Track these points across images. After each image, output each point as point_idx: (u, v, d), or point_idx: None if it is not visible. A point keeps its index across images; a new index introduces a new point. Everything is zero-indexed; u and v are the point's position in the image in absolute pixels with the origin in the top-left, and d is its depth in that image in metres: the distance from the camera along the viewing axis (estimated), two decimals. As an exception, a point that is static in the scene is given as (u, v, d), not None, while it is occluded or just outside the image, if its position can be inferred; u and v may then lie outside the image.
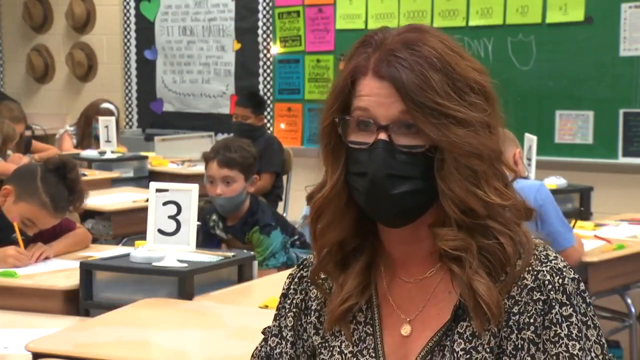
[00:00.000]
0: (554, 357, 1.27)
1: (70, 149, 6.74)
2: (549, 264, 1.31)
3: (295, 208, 5.85)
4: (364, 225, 1.37)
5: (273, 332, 1.47)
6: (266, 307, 2.81)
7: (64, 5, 8.79)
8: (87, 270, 3.07)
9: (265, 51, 7.81)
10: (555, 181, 5.04)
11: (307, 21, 7.55)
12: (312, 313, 1.43)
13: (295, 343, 1.44)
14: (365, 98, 1.31)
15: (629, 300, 4.18)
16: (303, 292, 1.45)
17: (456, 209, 1.28)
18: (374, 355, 1.36)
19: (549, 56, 6.54)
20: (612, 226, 4.56)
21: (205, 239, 4.24)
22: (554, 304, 1.28)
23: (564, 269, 1.31)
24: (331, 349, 1.40)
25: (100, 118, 6.46)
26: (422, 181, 1.29)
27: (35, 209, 3.41)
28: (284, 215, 5.72)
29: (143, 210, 3.49)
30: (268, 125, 7.64)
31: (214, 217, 4.21)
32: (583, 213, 4.94)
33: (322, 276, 1.42)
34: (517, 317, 1.29)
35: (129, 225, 4.70)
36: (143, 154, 6.48)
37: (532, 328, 1.28)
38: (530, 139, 4.83)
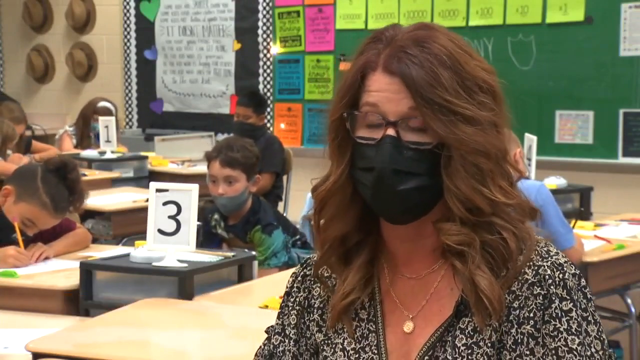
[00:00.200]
0: (553, 352, 1.27)
1: (70, 149, 6.74)
2: (550, 259, 1.31)
3: (295, 208, 5.85)
4: (367, 220, 1.37)
5: (276, 331, 1.47)
6: (266, 307, 2.81)
7: (64, 5, 8.79)
8: (87, 270, 3.07)
9: (265, 51, 7.82)
10: (555, 181, 5.04)
11: (307, 21, 7.55)
12: (315, 311, 1.44)
13: (298, 341, 1.45)
14: (375, 93, 1.31)
15: (629, 300, 4.18)
16: (306, 291, 1.46)
17: (461, 207, 1.29)
18: (376, 352, 1.37)
19: (549, 56, 6.54)
20: (612, 226, 4.56)
21: (207, 238, 4.24)
22: (554, 298, 1.28)
23: (565, 265, 1.31)
24: (334, 346, 1.40)
25: (100, 118, 6.46)
26: (428, 178, 1.30)
27: (36, 209, 3.41)
28: (284, 215, 5.71)
29: (143, 210, 3.49)
30: (268, 125, 7.63)
31: (216, 216, 4.21)
32: (583, 213, 4.94)
33: (326, 274, 1.43)
34: (518, 311, 1.29)
35: (129, 225, 4.70)
36: (143, 154, 6.48)
37: (531, 322, 1.28)
38: (530, 139, 4.83)
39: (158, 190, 3.10)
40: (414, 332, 1.35)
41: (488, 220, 1.30)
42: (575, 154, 6.49)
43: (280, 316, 1.47)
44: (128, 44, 8.59)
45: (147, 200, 3.37)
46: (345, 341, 1.39)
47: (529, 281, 1.30)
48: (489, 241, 1.30)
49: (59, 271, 3.33)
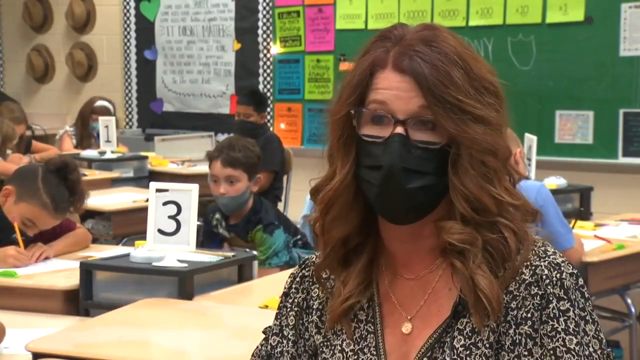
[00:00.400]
0: (551, 352, 1.27)
1: (70, 149, 6.74)
2: (547, 258, 1.31)
3: (296, 208, 5.85)
4: (367, 222, 1.37)
5: (274, 331, 1.47)
6: (266, 307, 2.81)
7: (64, 5, 8.79)
8: (87, 270, 3.07)
9: (265, 51, 7.81)
10: (555, 181, 5.04)
11: (307, 21, 7.55)
12: (314, 312, 1.44)
13: (296, 342, 1.45)
14: (383, 91, 1.31)
15: (629, 300, 4.18)
16: (305, 292, 1.45)
17: (467, 206, 1.29)
18: (375, 353, 1.36)
19: (549, 56, 6.54)
20: (612, 226, 4.57)
21: (208, 238, 4.25)
22: (551, 298, 1.28)
23: (562, 264, 1.31)
24: (333, 347, 1.40)
25: (100, 118, 6.46)
26: (435, 177, 1.30)
27: (36, 210, 3.41)
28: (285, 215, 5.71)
29: (143, 210, 3.49)
30: (268, 125, 7.63)
31: (217, 215, 4.22)
32: (583, 213, 4.94)
33: (324, 275, 1.42)
34: (515, 312, 1.29)
35: (129, 225, 4.70)
36: (143, 154, 6.48)
37: (529, 323, 1.28)
38: (530, 139, 4.83)
39: (158, 190, 3.10)
40: (413, 333, 1.35)
41: (492, 220, 1.30)
42: (575, 154, 6.49)
43: (278, 317, 1.47)
44: (128, 44, 8.59)
45: (147, 200, 3.37)
46: (344, 342, 1.39)
47: (527, 281, 1.30)
48: (490, 240, 1.30)
49: (59, 271, 3.33)
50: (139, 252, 3.08)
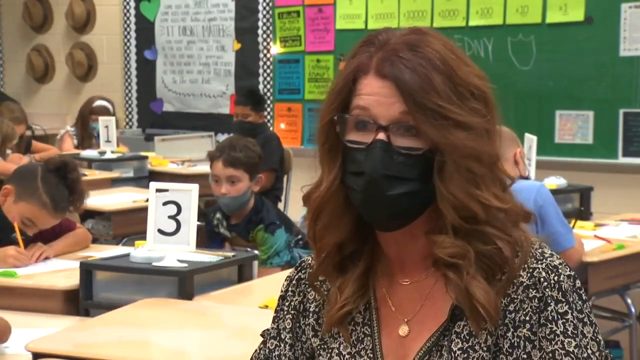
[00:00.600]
0: (550, 355, 1.27)
1: (71, 149, 6.74)
2: (544, 261, 1.31)
3: (296, 208, 5.85)
4: (363, 229, 1.36)
5: (272, 335, 1.46)
6: (266, 307, 2.81)
7: (64, 5, 8.79)
8: (87, 270, 3.07)
9: (265, 51, 7.81)
10: (555, 181, 5.04)
11: (307, 21, 7.55)
12: (311, 315, 1.43)
13: (293, 345, 1.44)
14: (366, 97, 1.30)
15: (629, 300, 4.18)
16: (301, 294, 1.45)
17: (455, 214, 1.28)
18: (372, 356, 1.36)
19: (549, 56, 6.54)
20: (612, 226, 4.57)
21: (209, 237, 4.26)
22: (549, 301, 1.28)
23: (560, 266, 1.31)
24: (330, 350, 1.40)
25: (100, 118, 6.46)
26: (418, 183, 1.29)
27: (35, 209, 3.41)
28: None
29: (143, 210, 3.49)
30: (268, 125, 7.64)
31: (218, 215, 4.23)
32: (583, 213, 4.94)
33: (320, 278, 1.42)
34: (513, 315, 1.29)
35: (129, 225, 4.70)
36: (143, 154, 6.48)
37: (527, 326, 1.28)
38: (530, 139, 4.83)
39: (158, 190, 3.10)
40: (410, 335, 1.35)
41: (482, 229, 1.29)
42: (575, 154, 6.49)
43: (276, 320, 1.47)
44: (128, 44, 8.59)
45: (147, 200, 3.37)
46: (341, 345, 1.38)
47: (524, 284, 1.29)
48: (483, 251, 1.29)
49: (59, 271, 3.33)
50: (139, 252, 3.08)
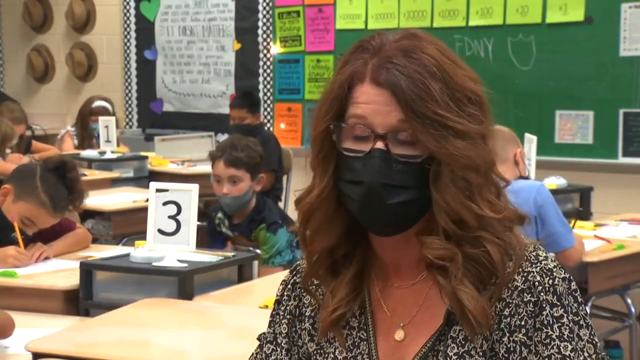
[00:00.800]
0: (546, 359, 1.26)
1: (71, 150, 6.74)
2: (539, 264, 1.30)
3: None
4: (354, 232, 1.35)
5: (268, 339, 1.46)
6: (266, 307, 2.81)
7: (64, 5, 8.79)
8: (87, 270, 3.07)
9: (265, 51, 7.81)
10: (555, 181, 5.04)
11: (307, 21, 7.55)
12: (307, 320, 1.43)
13: (290, 350, 1.44)
14: (363, 105, 1.29)
15: (629, 300, 4.18)
16: (297, 299, 1.45)
17: (449, 220, 1.27)
18: None
19: (549, 56, 6.54)
20: (612, 226, 4.57)
21: (211, 237, 4.27)
22: (544, 305, 1.27)
23: (555, 269, 1.30)
24: (326, 355, 1.39)
25: (100, 118, 6.45)
26: (417, 191, 1.28)
27: (34, 208, 3.41)
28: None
29: (143, 210, 3.49)
30: (268, 125, 7.63)
31: (219, 214, 4.24)
32: (583, 213, 4.93)
33: (315, 282, 1.41)
34: (509, 319, 1.28)
35: (129, 225, 4.70)
36: (143, 154, 6.48)
37: (523, 330, 1.28)
38: (530, 139, 4.83)
39: (158, 190, 3.10)
40: (405, 340, 1.35)
41: (473, 234, 1.28)
42: (575, 154, 6.49)
43: (272, 324, 1.46)
44: (128, 44, 8.58)
45: (147, 200, 3.37)
46: (337, 350, 1.38)
47: (519, 288, 1.29)
48: (473, 255, 1.28)
49: (59, 271, 3.33)
50: (139, 252, 3.08)
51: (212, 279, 3.12)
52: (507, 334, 1.28)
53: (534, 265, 1.30)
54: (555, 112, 6.56)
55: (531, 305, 1.28)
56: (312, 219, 1.34)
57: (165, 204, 3.06)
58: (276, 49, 7.72)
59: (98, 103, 6.96)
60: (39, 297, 3.12)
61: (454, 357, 1.29)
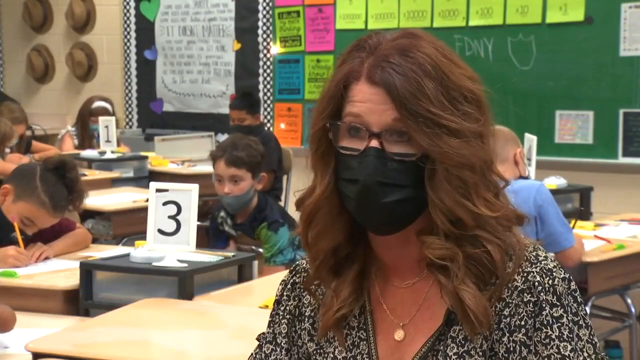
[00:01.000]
0: (546, 359, 1.27)
1: (71, 150, 6.74)
2: (538, 264, 1.30)
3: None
4: (356, 231, 1.36)
5: (267, 339, 1.46)
6: (266, 307, 2.81)
7: (64, 5, 8.79)
8: (87, 270, 3.07)
9: (265, 51, 7.81)
10: (555, 181, 5.04)
11: (307, 21, 7.55)
12: (306, 319, 1.43)
13: (289, 350, 1.44)
14: (358, 104, 1.29)
15: (629, 300, 4.19)
16: (296, 299, 1.45)
17: (445, 219, 1.27)
18: None
19: (549, 56, 6.54)
20: (612, 226, 4.57)
21: (214, 236, 4.28)
22: (544, 305, 1.28)
23: (554, 269, 1.30)
24: (325, 355, 1.39)
25: (101, 118, 6.45)
26: (413, 189, 1.28)
27: (34, 208, 3.41)
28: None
29: (143, 210, 3.49)
30: (268, 125, 7.63)
31: (222, 214, 4.25)
32: (583, 213, 4.94)
33: (315, 282, 1.41)
34: (508, 319, 1.29)
35: (129, 225, 4.70)
36: (143, 154, 6.48)
37: (523, 330, 1.28)
38: (530, 139, 4.83)
39: (158, 190, 3.10)
40: (405, 340, 1.35)
41: (472, 233, 1.28)
42: (575, 154, 6.49)
43: (271, 324, 1.46)
44: (128, 44, 8.58)
45: (147, 200, 3.37)
46: (337, 350, 1.38)
47: (519, 288, 1.29)
48: (473, 254, 1.28)
49: (59, 271, 3.33)
50: (139, 252, 3.08)
51: (212, 279, 3.12)
52: (507, 334, 1.28)
53: (533, 266, 1.30)
54: (555, 112, 6.56)
55: (531, 305, 1.28)
56: (316, 219, 1.34)
57: (165, 204, 3.06)
58: (276, 49, 7.73)
59: (98, 103, 6.96)
60: (39, 297, 3.12)
61: (453, 357, 1.29)
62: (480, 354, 1.29)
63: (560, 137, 6.56)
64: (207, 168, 6.20)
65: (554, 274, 1.29)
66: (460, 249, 1.28)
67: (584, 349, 1.28)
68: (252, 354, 1.48)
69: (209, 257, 3.17)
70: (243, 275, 3.22)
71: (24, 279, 3.23)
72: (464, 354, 1.29)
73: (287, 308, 1.45)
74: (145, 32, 8.46)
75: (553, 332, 1.27)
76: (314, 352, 1.41)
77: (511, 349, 1.28)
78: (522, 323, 1.28)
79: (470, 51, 6.60)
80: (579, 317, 1.29)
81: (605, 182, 6.07)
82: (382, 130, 1.28)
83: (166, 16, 8.34)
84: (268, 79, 7.81)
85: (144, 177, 6.03)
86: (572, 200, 5.17)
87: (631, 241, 4.19)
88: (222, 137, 7.55)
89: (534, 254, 1.32)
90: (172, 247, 3.03)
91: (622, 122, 6.32)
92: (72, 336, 2.58)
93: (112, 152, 6.26)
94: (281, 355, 1.44)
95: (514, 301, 1.29)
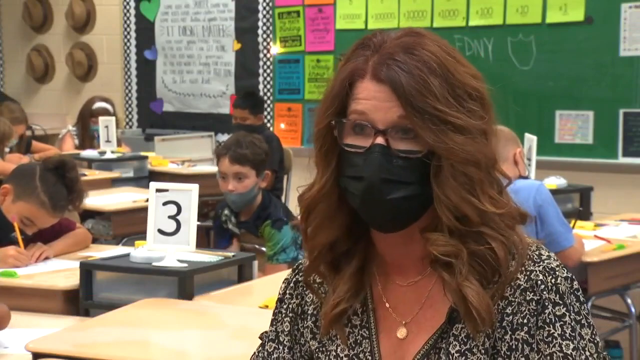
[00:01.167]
0: (548, 357, 1.27)
1: (71, 150, 6.74)
2: (541, 263, 1.31)
3: (296, 208, 5.85)
4: (356, 228, 1.36)
5: (270, 337, 1.46)
6: (266, 307, 2.81)
7: (64, 5, 8.79)
8: (87, 270, 3.07)
9: (265, 51, 7.81)
10: (555, 181, 5.04)
11: (307, 21, 7.55)
12: (309, 318, 1.43)
13: (292, 348, 1.44)
14: (363, 101, 1.30)
15: (629, 300, 4.18)
16: (299, 297, 1.45)
17: (450, 216, 1.28)
18: (370, 358, 1.36)
19: (549, 56, 6.54)
20: (612, 226, 4.57)
21: (218, 233, 4.29)
22: (547, 304, 1.28)
23: (557, 268, 1.31)
24: (328, 353, 1.40)
25: (101, 118, 6.45)
26: (418, 186, 1.29)
27: (34, 208, 3.41)
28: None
29: (143, 210, 3.49)
30: (268, 125, 7.63)
31: (226, 212, 4.26)
32: (583, 213, 4.93)
33: (317, 280, 1.42)
34: (511, 317, 1.29)
35: (129, 225, 4.70)
36: (143, 154, 6.48)
37: (525, 329, 1.28)
38: (530, 139, 4.83)
39: (158, 190, 3.10)
40: (408, 338, 1.35)
41: (476, 230, 1.29)
42: (575, 154, 6.49)
43: (274, 323, 1.47)
44: (128, 44, 8.59)
45: (147, 200, 3.37)
46: (339, 348, 1.38)
47: (522, 287, 1.29)
48: (477, 251, 1.29)
49: (59, 271, 3.33)
50: (139, 252, 3.08)
51: (212, 279, 3.12)
52: (510, 332, 1.29)
53: (536, 264, 1.30)
54: (555, 112, 6.56)
55: (533, 303, 1.28)
56: (314, 214, 1.35)
57: (165, 204, 3.06)
58: (276, 49, 7.73)
59: (99, 104, 6.96)
60: (39, 297, 3.12)
61: (456, 355, 1.30)
62: (483, 351, 1.29)
63: (560, 137, 6.56)
64: (207, 168, 6.22)
65: (557, 272, 1.30)
66: (465, 246, 1.29)
67: (586, 348, 1.28)
68: (254, 352, 1.48)
69: (209, 257, 3.17)
70: (243, 275, 3.22)
71: (24, 279, 3.23)
72: (467, 352, 1.29)
73: (290, 306, 1.45)
74: (145, 32, 8.46)
75: (555, 331, 1.27)
76: (317, 350, 1.41)
77: (513, 347, 1.28)
78: (525, 321, 1.28)
79: (470, 51, 6.59)
80: (581, 316, 1.29)
81: (605, 182, 6.07)
82: (387, 127, 1.28)
83: (166, 16, 8.34)
84: (268, 79, 7.81)
85: (144, 177, 6.03)
86: (572, 200, 5.17)
87: (631, 241, 4.19)
88: (223, 137, 7.57)
89: (536, 252, 1.32)
90: (172, 247, 3.03)
91: (622, 122, 6.32)
92: (72, 336, 2.59)
93: (112, 152, 6.26)
94: (284, 353, 1.44)
95: (516, 299, 1.29)
